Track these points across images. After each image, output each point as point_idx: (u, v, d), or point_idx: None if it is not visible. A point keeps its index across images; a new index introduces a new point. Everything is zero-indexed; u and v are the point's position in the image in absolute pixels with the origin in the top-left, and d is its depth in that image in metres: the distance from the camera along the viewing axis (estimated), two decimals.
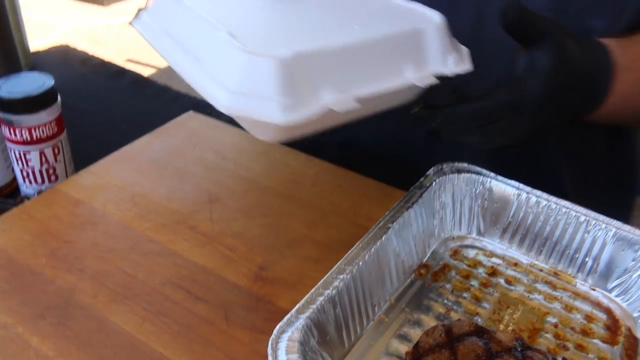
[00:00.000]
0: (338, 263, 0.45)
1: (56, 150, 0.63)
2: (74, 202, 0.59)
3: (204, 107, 0.89)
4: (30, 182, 0.64)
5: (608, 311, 0.50)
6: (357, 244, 0.47)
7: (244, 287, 0.50)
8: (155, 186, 0.62)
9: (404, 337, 0.46)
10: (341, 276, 0.44)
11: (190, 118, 0.76)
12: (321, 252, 0.55)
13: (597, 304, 0.51)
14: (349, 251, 0.46)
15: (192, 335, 0.45)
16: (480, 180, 0.57)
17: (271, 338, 0.37)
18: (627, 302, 0.51)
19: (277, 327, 0.38)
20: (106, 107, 0.91)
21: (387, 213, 0.51)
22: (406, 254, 0.52)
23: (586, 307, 0.51)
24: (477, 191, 0.57)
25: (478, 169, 0.58)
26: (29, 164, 0.63)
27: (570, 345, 0.47)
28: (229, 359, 0.43)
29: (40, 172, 0.63)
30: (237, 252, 0.54)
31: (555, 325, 0.48)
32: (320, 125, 0.40)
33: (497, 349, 0.41)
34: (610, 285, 0.52)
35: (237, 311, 0.47)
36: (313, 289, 0.42)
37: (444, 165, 0.58)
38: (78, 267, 0.50)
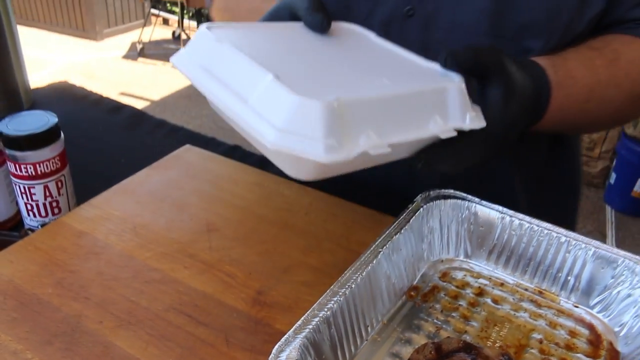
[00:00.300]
0: (332, 286, 0.47)
1: (59, 185, 0.66)
2: (78, 233, 0.61)
3: (199, 141, 0.93)
4: (34, 215, 0.66)
5: (590, 327, 0.53)
6: (350, 268, 0.49)
7: (243, 311, 0.52)
8: (155, 217, 0.64)
9: (396, 355, 0.48)
10: (335, 298, 0.46)
11: (186, 151, 0.79)
12: (316, 277, 0.57)
13: (580, 320, 0.54)
14: (342, 275, 0.49)
15: (195, 357, 0.47)
16: (466, 205, 0.60)
17: (270, 357, 0.39)
18: (608, 318, 0.53)
19: (276, 346, 0.40)
20: (105, 142, 0.94)
21: (377, 238, 0.54)
22: (396, 277, 0.55)
23: (570, 324, 0.53)
24: (463, 216, 0.60)
25: (463, 194, 0.61)
26: (34, 197, 0.65)
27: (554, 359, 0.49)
28: None
29: (44, 205, 0.66)
30: (236, 279, 0.56)
31: (540, 341, 0.51)
32: (352, 166, 0.44)
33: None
34: (592, 302, 0.55)
35: (237, 334, 0.49)
36: (309, 311, 0.44)
37: (431, 192, 0.61)
38: (84, 295, 0.53)
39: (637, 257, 0.53)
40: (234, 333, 0.50)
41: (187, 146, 0.80)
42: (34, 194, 0.65)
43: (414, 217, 0.57)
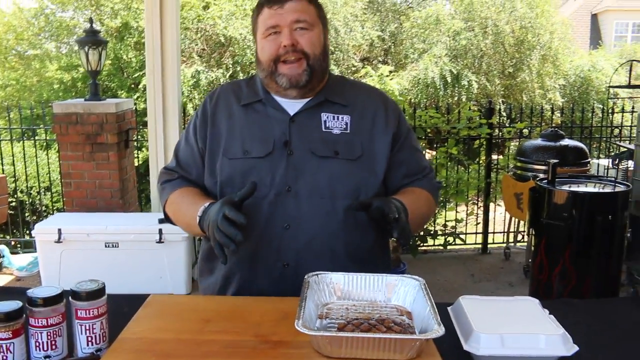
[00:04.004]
0: (296, 320, 1.05)
1: (106, 320, 1.10)
2: (140, 339, 1.06)
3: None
4: (92, 344, 1.08)
5: (397, 308, 1.20)
6: (298, 311, 1.08)
7: (256, 339, 1.05)
8: (176, 323, 1.13)
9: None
10: (298, 321, 1.05)
11: (154, 297, 1.27)
12: (275, 325, 1.13)
13: (392, 307, 1.21)
14: (297, 315, 1.07)
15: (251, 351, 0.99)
16: (326, 276, 1.25)
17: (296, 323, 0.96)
18: (402, 302, 1.22)
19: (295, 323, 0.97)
20: None
21: (301, 296, 1.13)
22: (313, 310, 1.15)
23: (389, 310, 1.20)
24: (327, 281, 1.25)
25: (326, 272, 1.25)
26: (94, 331, 1.07)
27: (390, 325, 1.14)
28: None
29: (99, 335, 1.08)
30: (240, 331, 1.09)
31: (380, 316, 1.16)
32: None
33: (367, 319, 1.06)
34: (392, 299, 1.23)
35: (260, 346, 1.03)
36: (297, 319, 1.02)
37: (310, 274, 1.24)
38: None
39: (403, 275, 1.24)
40: (262, 335, 1.03)
41: (152, 295, 1.28)
42: (95, 329, 1.08)
43: (308, 284, 1.19)
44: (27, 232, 5.31)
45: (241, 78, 1.59)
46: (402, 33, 11.58)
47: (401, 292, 1.23)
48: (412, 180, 1.51)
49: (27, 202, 5.63)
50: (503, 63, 11.00)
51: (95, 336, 1.08)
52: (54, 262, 4.10)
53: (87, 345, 1.08)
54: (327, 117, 1.43)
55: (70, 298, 1.07)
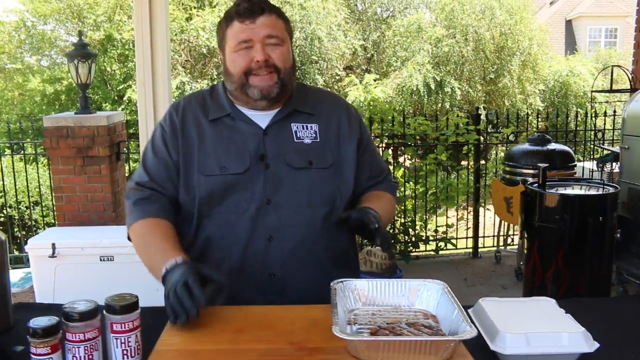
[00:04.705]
0: (333, 324, 1.08)
1: (140, 333, 1.12)
2: (174, 350, 1.08)
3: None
4: (127, 357, 1.09)
5: (421, 311, 1.24)
6: (333, 316, 1.11)
7: (289, 346, 1.08)
8: (207, 335, 1.15)
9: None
10: (335, 327, 1.08)
11: None
12: (308, 331, 1.16)
13: (417, 311, 1.24)
14: (333, 320, 1.10)
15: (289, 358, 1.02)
16: (351, 282, 1.28)
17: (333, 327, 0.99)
18: (425, 306, 1.26)
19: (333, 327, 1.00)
20: None
21: (332, 302, 1.16)
22: (342, 315, 1.18)
23: (413, 313, 1.23)
24: (351, 287, 1.28)
25: (349, 279, 1.29)
26: (129, 344, 1.09)
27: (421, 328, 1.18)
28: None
29: (134, 348, 1.10)
30: (270, 338, 1.12)
31: (407, 320, 1.19)
32: None
33: (397, 323, 1.10)
34: (415, 303, 1.27)
35: (296, 353, 1.06)
36: (333, 326, 1.05)
37: (335, 281, 1.27)
38: None
39: (423, 279, 1.28)
40: (296, 342, 1.06)
41: None
42: (130, 342, 1.09)
43: (335, 291, 1.23)
44: (17, 247, 5.25)
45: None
46: (384, 41, 11.71)
47: (424, 297, 1.27)
48: (375, 183, 1.57)
49: (15, 217, 5.56)
50: (484, 69, 11.18)
51: (131, 349, 1.10)
52: (48, 277, 4.06)
53: (123, 358, 1.10)
54: (297, 127, 1.46)
55: (105, 312, 1.09)
